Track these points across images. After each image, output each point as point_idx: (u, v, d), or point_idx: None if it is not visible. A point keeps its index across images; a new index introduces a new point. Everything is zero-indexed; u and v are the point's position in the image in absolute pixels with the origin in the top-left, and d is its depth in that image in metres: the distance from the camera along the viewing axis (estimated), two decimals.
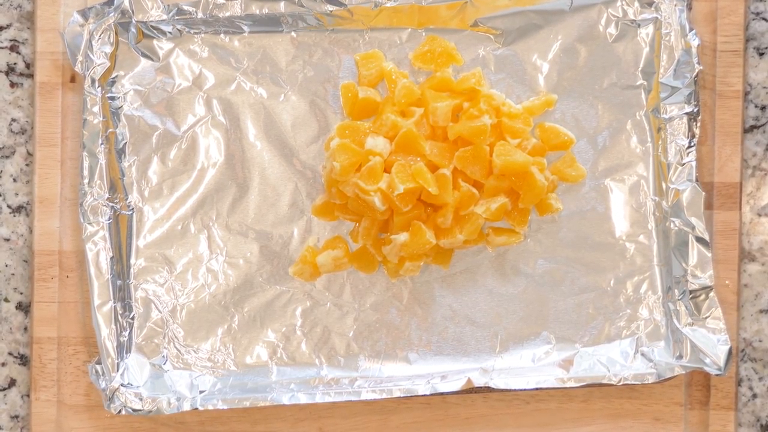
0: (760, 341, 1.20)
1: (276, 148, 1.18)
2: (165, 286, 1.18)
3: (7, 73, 1.21)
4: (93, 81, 1.16)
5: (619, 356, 1.16)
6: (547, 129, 1.16)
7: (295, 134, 1.19)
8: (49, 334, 1.17)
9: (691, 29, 1.15)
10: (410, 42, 1.18)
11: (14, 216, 1.20)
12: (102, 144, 1.17)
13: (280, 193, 1.18)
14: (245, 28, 1.18)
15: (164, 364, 1.17)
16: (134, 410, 1.14)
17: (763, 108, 1.20)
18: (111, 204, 1.17)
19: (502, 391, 1.16)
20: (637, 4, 1.17)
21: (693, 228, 1.15)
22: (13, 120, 1.21)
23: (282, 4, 1.17)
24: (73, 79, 1.19)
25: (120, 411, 1.14)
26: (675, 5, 1.16)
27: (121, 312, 1.17)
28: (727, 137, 1.18)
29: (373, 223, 1.15)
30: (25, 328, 1.21)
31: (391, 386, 1.15)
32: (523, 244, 1.18)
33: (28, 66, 1.21)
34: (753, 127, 1.20)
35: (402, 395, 1.15)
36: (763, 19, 1.20)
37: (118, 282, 1.17)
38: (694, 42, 1.15)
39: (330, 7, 1.16)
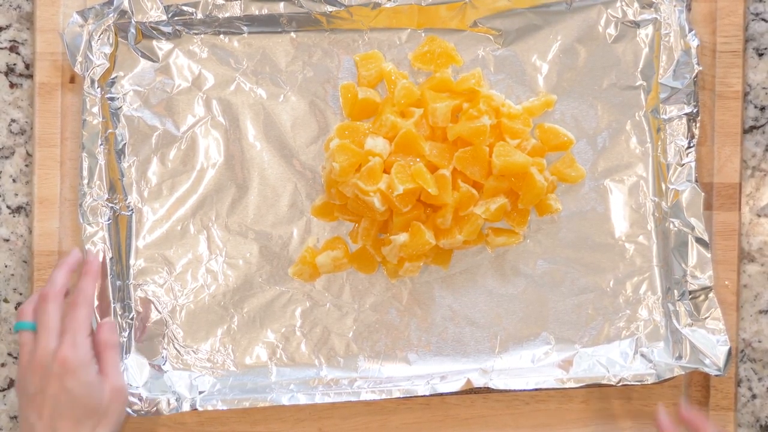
0: (760, 342, 1.20)
1: (275, 149, 1.18)
2: (164, 287, 1.18)
3: (6, 74, 1.21)
4: (92, 81, 1.16)
5: (619, 357, 1.16)
6: (547, 130, 1.16)
7: (295, 135, 1.18)
8: None
9: (690, 30, 1.15)
10: (410, 42, 1.18)
11: (14, 216, 1.20)
12: (101, 144, 1.17)
13: (279, 193, 1.18)
14: (244, 28, 1.18)
15: (164, 364, 1.17)
16: (134, 411, 1.14)
17: (762, 109, 1.20)
18: (110, 205, 1.17)
19: (501, 391, 1.16)
20: (636, 4, 1.17)
21: (692, 228, 1.15)
22: (13, 120, 1.21)
23: (281, 4, 1.17)
24: (72, 80, 1.18)
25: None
26: (674, 6, 1.16)
27: (120, 312, 1.16)
28: (726, 138, 1.18)
29: (373, 224, 1.15)
30: None
31: (391, 387, 1.15)
32: (523, 245, 1.18)
33: (27, 66, 1.21)
34: (752, 128, 1.20)
35: (401, 396, 1.15)
36: (763, 19, 1.20)
37: (118, 282, 1.17)
38: (694, 43, 1.15)
39: (329, 8, 1.16)
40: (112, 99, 1.18)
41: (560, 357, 1.17)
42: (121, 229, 1.17)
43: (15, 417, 1.21)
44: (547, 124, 1.17)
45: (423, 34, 1.18)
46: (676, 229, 1.16)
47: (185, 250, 1.18)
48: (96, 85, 1.17)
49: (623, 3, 1.17)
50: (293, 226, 1.18)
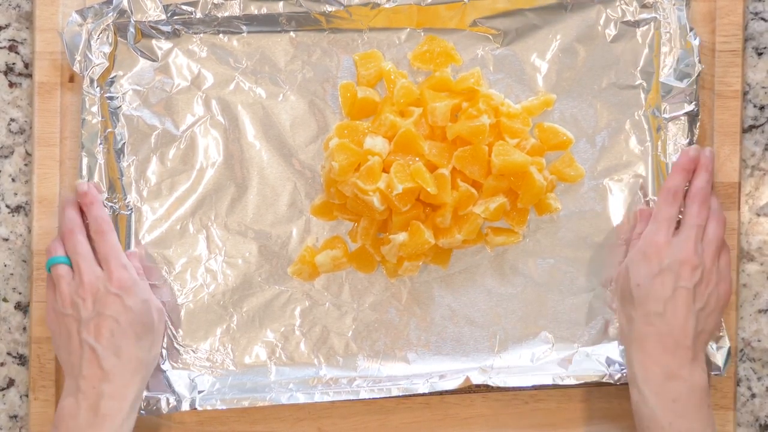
0: (759, 341, 1.20)
1: (275, 148, 1.18)
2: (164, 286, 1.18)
3: (5, 73, 1.21)
4: (92, 81, 1.16)
5: (618, 356, 1.16)
6: (546, 129, 1.16)
7: (294, 134, 1.18)
8: (47, 334, 1.17)
9: (691, 29, 1.15)
10: (409, 42, 1.18)
11: (13, 216, 1.20)
12: (101, 144, 1.17)
13: (278, 192, 1.18)
14: (244, 28, 1.18)
15: (163, 363, 1.17)
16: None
17: (761, 108, 1.20)
18: (110, 204, 1.17)
19: (500, 389, 1.16)
20: (635, 3, 1.17)
21: None
22: (12, 120, 1.21)
23: (280, 4, 1.17)
24: (71, 79, 1.18)
25: None
26: (674, 5, 1.16)
27: None
28: (725, 137, 1.18)
29: (372, 223, 1.15)
30: (24, 328, 1.21)
31: (390, 385, 1.15)
32: (522, 244, 1.18)
33: (26, 66, 1.21)
34: (752, 127, 1.20)
35: (400, 394, 1.15)
36: (762, 19, 1.20)
37: None
38: (695, 41, 1.15)
39: (328, 8, 1.16)
40: (111, 98, 1.18)
41: (560, 356, 1.17)
42: (120, 229, 1.17)
43: (14, 417, 1.20)
44: (547, 123, 1.17)
45: (422, 34, 1.18)
46: None
47: (184, 250, 1.18)
48: (95, 84, 1.17)
49: (622, 2, 1.17)
50: (292, 225, 1.18)
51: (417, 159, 1.13)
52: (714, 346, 1.15)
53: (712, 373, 1.14)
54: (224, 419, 1.19)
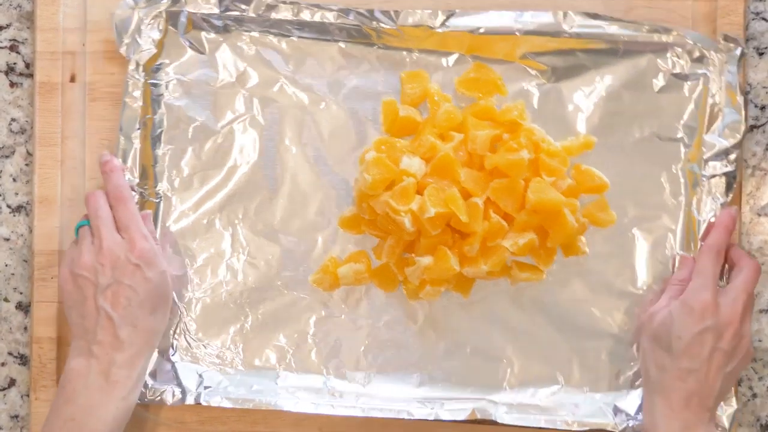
0: (760, 341, 1.20)
1: (311, 155, 1.18)
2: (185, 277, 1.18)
3: (6, 73, 1.21)
4: (137, 65, 1.17)
5: (626, 405, 1.16)
6: (583, 171, 1.16)
7: (332, 144, 1.18)
8: (48, 334, 1.17)
9: (742, 90, 1.15)
10: (457, 67, 1.18)
11: (14, 216, 1.20)
12: (138, 129, 1.17)
13: (309, 200, 1.18)
14: (294, 32, 1.18)
15: (173, 355, 1.17)
16: (139, 398, 1.14)
17: (762, 108, 1.20)
18: (140, 189, 1.17)
19: (503, 425, 1.15)
20: (686, 57, 1.17)
21: None
22: (13, 120, 1.21)
23: (333, 14, 1.17)
24: (73, 79, 1.18)
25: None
26: (725, 62, 1.16)
27: None
28: None
29: (399, 242, 1.15)
30: (25, 328, 1.21)
31: (395, 407, 1.15)
32: (544, 282, 1.17)
33: (27, 66, 1.21)
34: (753, 127, 1.20)
35: (405, 417, 1.15)
36: (763, 18, 1.20)
37: None
38: (742, 102, 1.15)
39: (382, 24, 1.16)
40: (155, 85, 1.18)
41: (569, 399, 1.17)
42: None
43: (15, 416, 1.20)
44: (584, 165, 1.17)
45: (471, 60, 1.18)
46: None
47: (208, 244, 1.18)
48: (140, 69, 1.17)
49: (673, 54, 1.17)
50: (318, 234, 1.18)
51: (452, 185, 1.13)
52: (722, 405, 1.15)
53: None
54: (225, 419, 1.19)
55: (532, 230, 1.13)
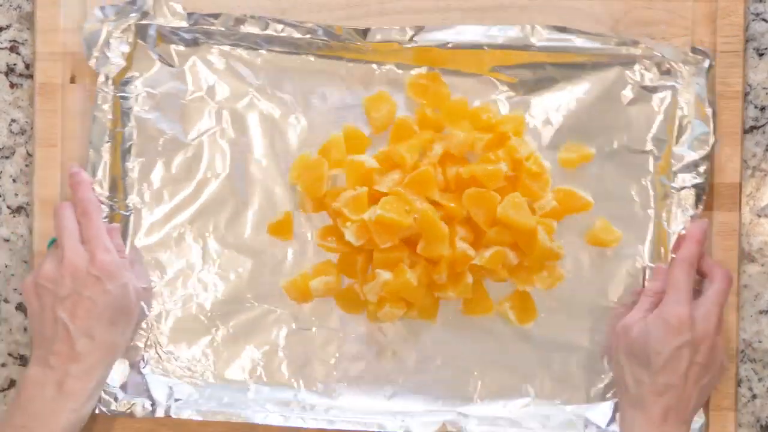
0: (760, 342, 1.20)
1: (281, 168, 1.18)
2: (153, 291, 1.18)
3: (6, 74, 1.21)
4: (107, 78, 1.16)
5: (599, 417, 1.16)
6: (566, 193, 1.16)
7: None
8: None
9: (709, 102, 1.15)
10: None
11: (14, 216, 1.20)
12: (108, 142, 1.17)
13: (279, 213, 1.18)
14: (264, 45, 1.18)
15: (143, 368, 1.17)
16: (108, 410, 1.15)
17: (762, 109, 1.20)
18: (110, 203, 1.17)
19: None
20: (655, 69, 1.17)
21: None
22: (13, 120, 1.21)
23: (300, 30, 1.16)
24: (73, 80, 1.18)
25: (95, 410, 1.14)
26: (693, 75, 1.16)
27: None
28: (726, 138, 1.18)
29: (352, 258, 1.15)
30: (25, 329, 1.21)
31: (366, 419, 1.15)
32: None
33: (27, 67, 1.21)
34: (753, 128, 1.20)
35: (375, 430, 1.15)
36: (763, 20, 1.20)
37: None
38: (710, 114, 1.15)
39: (350, 43, 1.16)
40: (124, 98, 1.17)
41: (539, 411, 1.17)
42: None
43: None
44: (566, 187, 1.16)
45: (441, 73, 1.18)
46: None
47: (179, 257, 1.18)
48: (110, 82, 1.17)
49: (642, 66, 1.17)
50: (289, 246, 1.18)
51: (423, 201, 1.12)
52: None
53: None
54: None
55: (502, 245, 1.13)
